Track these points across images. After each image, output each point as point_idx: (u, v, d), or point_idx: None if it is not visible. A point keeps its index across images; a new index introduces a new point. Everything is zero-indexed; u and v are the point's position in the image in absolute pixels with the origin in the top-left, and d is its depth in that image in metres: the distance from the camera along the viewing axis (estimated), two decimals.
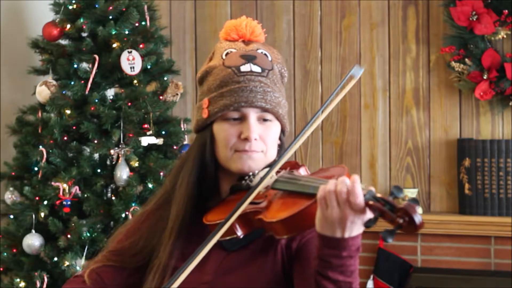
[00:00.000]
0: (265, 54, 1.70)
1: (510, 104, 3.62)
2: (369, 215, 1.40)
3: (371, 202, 1.38)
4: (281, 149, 1.71)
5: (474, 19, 3.59)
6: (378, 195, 1.39)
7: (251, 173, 1.64)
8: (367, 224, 1.37)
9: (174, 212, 1.66)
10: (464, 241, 3.67)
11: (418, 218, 1.31)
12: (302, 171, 1.66)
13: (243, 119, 1.64)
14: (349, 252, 1.44)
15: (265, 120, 1.65)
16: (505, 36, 3.61)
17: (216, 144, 1.66)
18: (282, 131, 1.71)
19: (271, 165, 1.65)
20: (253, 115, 1.63)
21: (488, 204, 3.62)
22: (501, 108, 3.66)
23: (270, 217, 1.50)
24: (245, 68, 1.64)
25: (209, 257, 1.62)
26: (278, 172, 1.61)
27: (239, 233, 1.57)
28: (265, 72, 1.65)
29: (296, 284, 1.60)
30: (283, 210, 1.50)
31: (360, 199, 1.39)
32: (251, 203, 1.57)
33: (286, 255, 1.64)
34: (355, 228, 1.42)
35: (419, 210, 1.34)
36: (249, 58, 1.66)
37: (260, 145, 1.64)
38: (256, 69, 1.65)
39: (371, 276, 3.72)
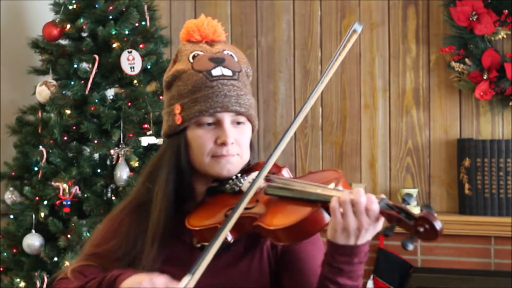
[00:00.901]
0: (231, 55, 1.69)
1: (510, 104, 3.62)
2: (381, 223, 1.45)
3: (386, 210, 1.40)
4: (252, 149, 1.71)
5: (474, 19, 3.59)
6: (392, 203, 1.41)
7: (234, 177, 1.64)
8: (386, 232, 1.40)
9: (155, 220, 1.65)
10: (464, 241, 3.67)
11: (439, 225, 1.34)
12: (285, 174, 1.66)
13: (217, 123, 1.63)
14: (360, 258, 1.49)
15: (238, 123, 1.65)
16: (505, 36, 3.61)
17: (191, 149, 1.65)
18: (252, 130, 1.71)
19: (246, 169, 1.66)
20: (227, 119, 1.63)
21: (488, 204, 3.62)
22: (501, 108, 3.66)
23: (271, 224, 1.50)
24: (216, 72, 1.63)
25: (193, 260, 1.60)
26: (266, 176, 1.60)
27: (229, 238, 1.56)
28: (236, 74, 1.65)
29: (287, 285, 1.62)
30: (283, 217, 1.50)
31: (376, 207, 1.43)
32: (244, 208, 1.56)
33: (272, 255, 1.65)
34: (367, 235, 1.47)
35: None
36: (218, 61, 1.65)
37: (236, 149, 1.64)
38: (227, 72, 1.64)
39: (371, 276, 3.72)
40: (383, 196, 1.45)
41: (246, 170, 1.68)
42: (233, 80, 1.64)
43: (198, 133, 1.63)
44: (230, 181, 1.64)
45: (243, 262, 1.63)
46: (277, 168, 1.66)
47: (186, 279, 1.45)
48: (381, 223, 1.46)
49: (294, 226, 1.47)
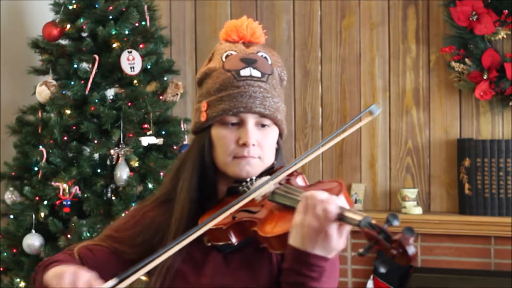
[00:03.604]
0: (265, 58, 1.69)
1: (510, 104, 3.62)
2: (335, 233, 1.40)
3: (366, 229, 1.36)
4: (278, 153, 1.71)
5: (474, 19, 3.59)
6: (374, 222, 1.37)
7: (248, 179, 1.63)
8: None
9: (177, 216, 1.65)
10: (464, 241, 3.67)
11: (411, 251, 1.30)
12: (299, 181, 1.65)
13: (241, 124, 1.63)
14: (310, 272, 1.43)
15: (263, 125, 1.65)
16: (505, 36, 3.61)
17: (214, 148, 1.66)
18: (280, 135, 1.71)
19: (269, 172, 1.66)
20: (251, 120, 1.63)
21: (488, 204, 3.62)
22: (501, 108, 3.67)
23: (266, 231, 1.50)
24: (244, 72, 1.64)
25: (206, 260, 1.64)
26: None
27: (234, 240, 1.57)
28: (265, 76, 1.65)
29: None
30: (278, 225, 1.50)
31: (332, 207, 1.38)
32: (248, 211, 1.56)
33: (282, 258, 1.64)
34: (318, 243, 1.41)
35: (413, 240, 1.32)
36: (249, 62, 1.65)
37: (258, 151, 1.63)
38: (256, 73, 1.64)
39: (371, 276, 3.73)
40: (368, 215, 1.38)
41: (268, 174, 1.66)
42: (261, 82, 1.64)
43: (222, 133, 1.64)
44: (244, 183, 1.63)
45: (253, 264, 1.63)
46: (293, 174, 1.64)
47: (110, 282, 1.43)
48: (342, 240, 1.40)
49: (285, 235, 1.46)
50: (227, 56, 1.68)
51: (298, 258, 1.43)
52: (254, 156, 1.63)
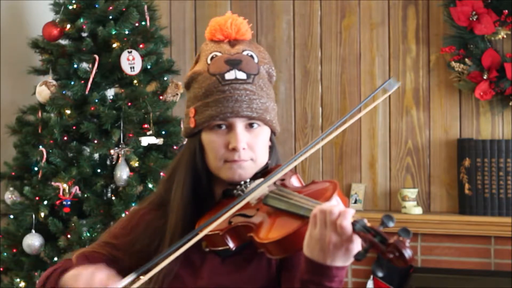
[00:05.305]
0: (251, 56, 1.66)
1: (510, 104, 3.62)
2: (358, 246, 1.38)
3: (361, 233, 1.35)
4: (272, 150, 1.70)
5: (474, 19, 3.59)
6: (369, 225, 1.36)
7: (242, 182, 1.62)
8: (357, 256, 1.35)
9: (173, 221, 1.65)
10: (464, 241, 3.67)
11: (408, 254, 1.29)
12: (294, 181, 1.64)
13: (230, 128, 1.61)
14: (331, 282, 1.42)
15: (252, 126, 1.63)
16: (505, 36, 3.61)
17: (205, 152, 1.65)
18: (273, 132, 1.69)
19: (264, 173, 1.65)
20: (240, 124, 1.61)
21: (488, 204, 3.62)
22: (501, 108, 3.66)
23: (262, 237, 1.49)
24: (229, 75, 1.61)
25: (204, 263, 1.64)
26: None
27: (231, 245, 1.56)
28: (251, 78, 1.63)
29: None
30: (274, 230, 1.49)
31: (347, 222, 1.36)
32: (243, 215, 1.56)
33: (280, 260, 1.63)
34: (339, 256, 1.40)
35: (409, 242, 1.31)
36: (234, 64, 1.63)
37: (249, 154, 1.62)
38: (241, 75, 1.62)
39: (371, 276, 3.73)
40: (363, 218, 1.38)
41: (263, 173, 1.65)
42: (247, 84, 1.61)
43: (211, 138, 1.62)
44: (238, 186, 1.62)
45: (251, 266, 1.63)
46: (288, 174, 1.63)
47: (129, 278, 1.43)
48: (355, 247, 1.38)
49: (282, 240, 1.46)
50: (212, 58, 1.66)
51: (319, 271, 1.42)
52: (245, 159, 1.62)
